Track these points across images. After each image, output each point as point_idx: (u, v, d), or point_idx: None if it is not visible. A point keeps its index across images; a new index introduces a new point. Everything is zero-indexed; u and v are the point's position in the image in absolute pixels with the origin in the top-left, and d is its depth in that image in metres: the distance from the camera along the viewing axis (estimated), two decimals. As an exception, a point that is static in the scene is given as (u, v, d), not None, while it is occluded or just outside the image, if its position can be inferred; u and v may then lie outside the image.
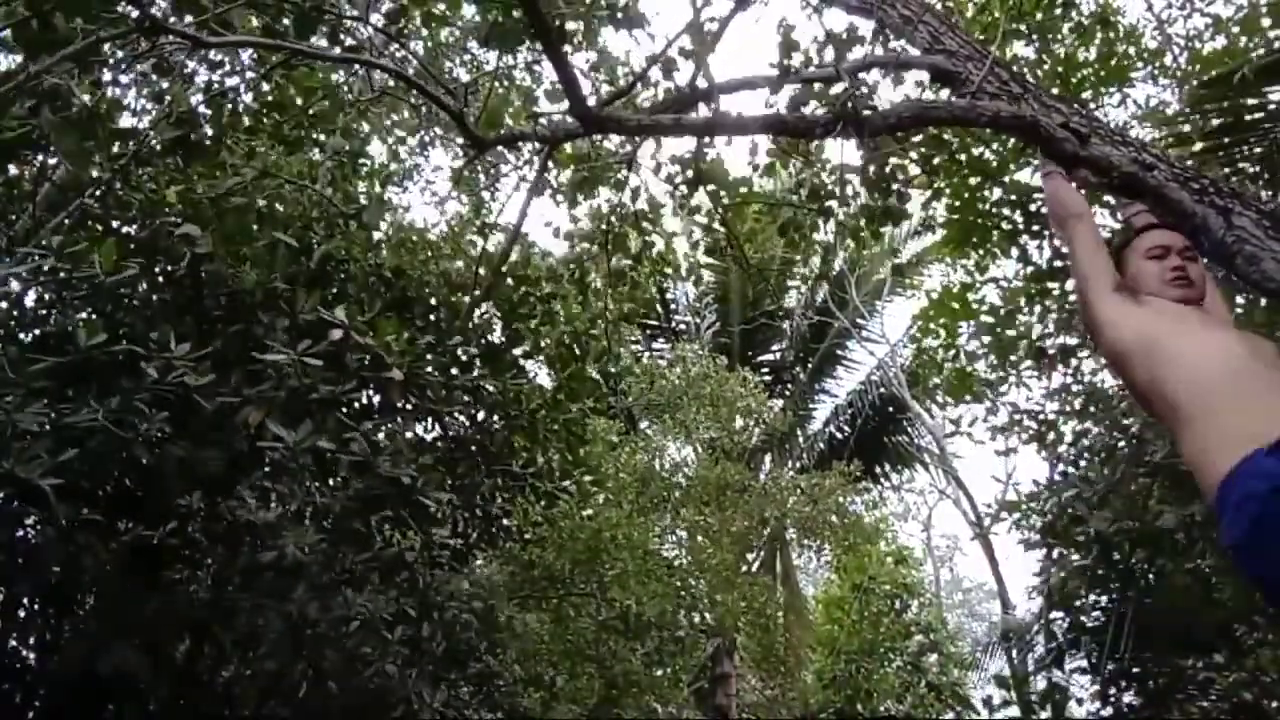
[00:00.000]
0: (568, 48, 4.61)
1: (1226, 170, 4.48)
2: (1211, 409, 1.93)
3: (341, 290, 4.33)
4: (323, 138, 5.03)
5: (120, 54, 3.52)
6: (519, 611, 6.96)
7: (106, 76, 3.86)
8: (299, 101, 4.54)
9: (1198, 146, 4.63)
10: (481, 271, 4.68)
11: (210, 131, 3.79)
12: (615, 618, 7.56)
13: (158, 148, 3.70)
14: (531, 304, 4.95)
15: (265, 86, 4.69)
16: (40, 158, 4.12)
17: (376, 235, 4.72)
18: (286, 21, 3.87)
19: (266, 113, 4.72)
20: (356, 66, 5.02)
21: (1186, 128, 4.79)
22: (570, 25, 4.37)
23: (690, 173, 4.29)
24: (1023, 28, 5.27)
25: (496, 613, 4.55)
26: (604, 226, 4.83)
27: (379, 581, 3.96)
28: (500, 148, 4.80)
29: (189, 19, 3.42)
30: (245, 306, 4.01)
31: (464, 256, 4.95)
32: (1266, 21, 6.20)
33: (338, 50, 4.03)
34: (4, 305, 3.80)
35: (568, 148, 4.51)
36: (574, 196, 4.67)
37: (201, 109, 3.96)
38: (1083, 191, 2.92)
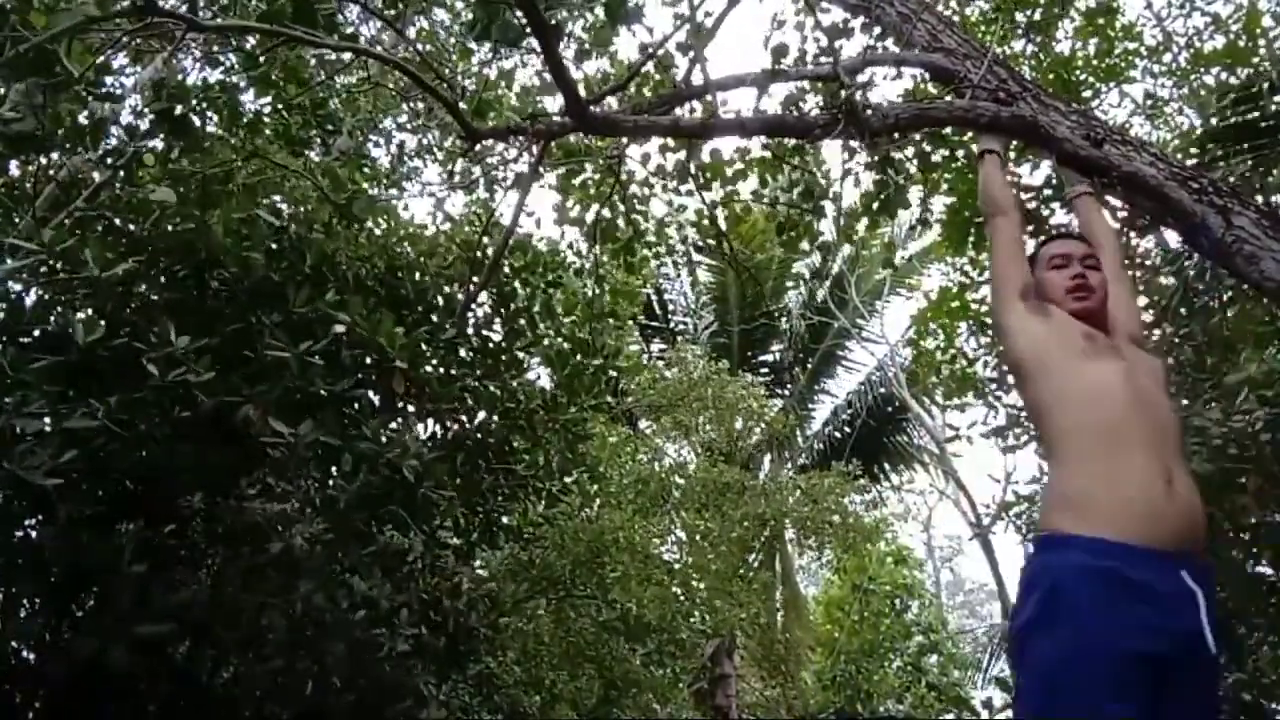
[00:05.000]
0: (571, 50, 4.61)
1: (1239, 174, 4.48)
2: (1071, 461, 2.04)
3: (339, 286, 4.33)
4: (329, 138, 5.03)
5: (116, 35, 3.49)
6: (519, 610, 6.95)
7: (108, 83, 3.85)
8: (293, 93, 4.54)
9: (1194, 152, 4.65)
10: (478, 262, 4.66)
11: (198, 111, 3.77)
12: (616, 618, 7.55)
13: (146, 126, 3.68)
14: (530, 290, 4.93)
15: (266, 87, 4.67)
16: (41, 158, 4.12)
17: (375, 232, 4.72)
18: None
19: (272, 110, 4.73)
20: (351, 59, 4.99)
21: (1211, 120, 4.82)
22: (577, 29, 4.37)
23: (682, 156, 4.29)
24: (1021, 18, 5.27)
25: (499, 609, 4.54)
26: (593, 216, 4.82)
27: (381, 575, 3.96)
28: (496, 141, 4.79)
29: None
30: (241, 302, 4.01)
31: (461, 251, 4.93)
32: (1267, 21, 6.21)
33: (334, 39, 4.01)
34: (4, 306, 3.80)
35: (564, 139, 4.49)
36: (566, 186, 4.67)
37: (196, 90, 3.94)
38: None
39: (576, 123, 3.32)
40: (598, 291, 5.30)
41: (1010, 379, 6.83)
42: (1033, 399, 2.23)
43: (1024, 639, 1.84)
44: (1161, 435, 2.01)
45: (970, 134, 4.74)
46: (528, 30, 3.13)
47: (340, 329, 3.70)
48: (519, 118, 4.15)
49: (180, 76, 3.91)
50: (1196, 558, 1.85)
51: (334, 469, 4.00)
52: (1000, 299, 2.39)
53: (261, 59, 4.11)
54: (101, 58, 3.34)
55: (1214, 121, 4.95)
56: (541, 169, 4.43)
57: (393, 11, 4.59)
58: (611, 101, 3.92)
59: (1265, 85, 4.62)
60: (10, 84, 3.04)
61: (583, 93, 3.34)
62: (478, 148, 4.42)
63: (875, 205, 4.05)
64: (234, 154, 4.05)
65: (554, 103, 4.24)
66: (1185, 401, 4.99)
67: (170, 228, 3.84)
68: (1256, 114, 4.65)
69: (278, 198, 4.30)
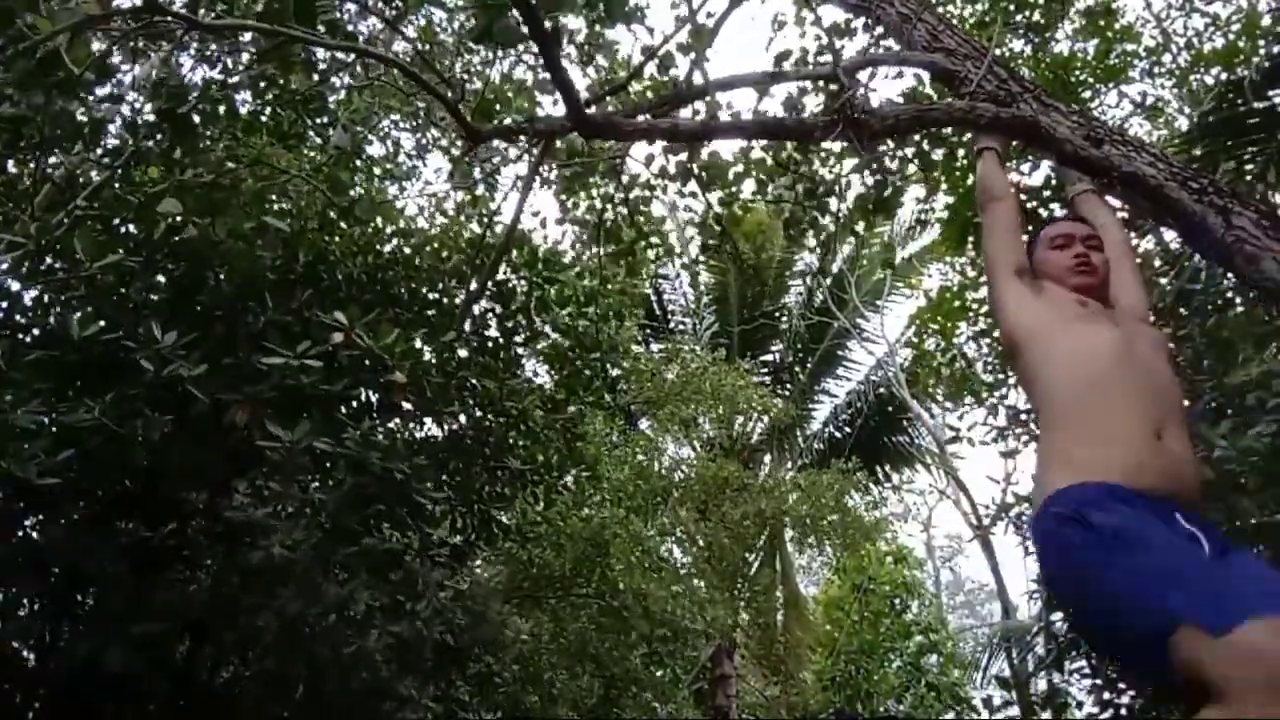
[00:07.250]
0: (571, 50, 4.61)
1: (1230, 170, 4.49)
2: (1058, 420, 2.02)
3: (334, 286, 4.32)
4: (326, 132, 5.02)
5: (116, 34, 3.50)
6: (517, 610, 6.95)
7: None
8: (294, 86, 4.52)
9: (1196, 152, 4.64)
10: (479, 262, 4.65)
11: (199, 108, 3.75)
12: (629, 604, 7.55)
13: (145, 125, 3.67)
14: (528, 286, 4.93)
15: (264, 82, 4.67)
16: (39, 157, 4.11)
17: (370, 229, 4.70)
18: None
19: (270, 105, 4.72)
20: (353, 59, 4.99)
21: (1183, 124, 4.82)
22: (573, 24, 4.36)
23: (684, 157, 4.27)
24: (1020, 17, 5.27)
25: (491, 611, 4.53)
26: (595, 219, 4.81)
27: (368, 576, 3.95)
28: (497, 141, 4.78)
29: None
30: (232, 305, 4.01)
31: (460, 249, 4.92)
32: (1266, 21, 6.21)
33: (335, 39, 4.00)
34: (3, 304, 3.80)
35: (562, 142, 4.49)
36: (569, 188, 4.67)
37: (195, 89, 3.93)
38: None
39: (578, 128, 3.31)
40: (599, 290, 5.29)
41: (1013, 376, 6.82)
42: (1024, 367, 2.21)
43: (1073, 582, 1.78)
44: (1154, 394, 1.97)
45: (969, 135, 4.74)
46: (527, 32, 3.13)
47: (338, 337, 3.70)
48: (520, 116, 4.14)
49: (178, 76, 3.90)
50: (1190, 510, 1.81)
51: (326, 469, 3.99)
52: (995, 277, 2.40)
53: (261, 61, 4.11)
54: (102, 54, 3.34)
55: (1207, 116, 4.94)
56: (542, 169, 4.43)
57: (392, 11, 4.58)
58: (612, 102, 3.92)
59: (1248, 80, 4.60)
60: (14, 86, 3.05)
61: (583, 94, 3.33)
62: (479, 148, 4.41)
63: (871, 206, 4.04)
64: (236, 159, 4.05)
65: (554, 103, 4.24)
66: (1185, 403, 4.98)
67: (177, 238, 3.84)
68: (1243, 109, 4.63)
69: (274, 196, 4.30)
